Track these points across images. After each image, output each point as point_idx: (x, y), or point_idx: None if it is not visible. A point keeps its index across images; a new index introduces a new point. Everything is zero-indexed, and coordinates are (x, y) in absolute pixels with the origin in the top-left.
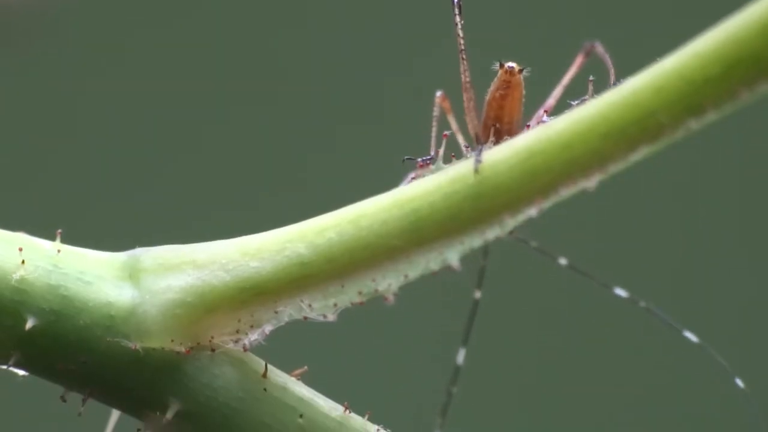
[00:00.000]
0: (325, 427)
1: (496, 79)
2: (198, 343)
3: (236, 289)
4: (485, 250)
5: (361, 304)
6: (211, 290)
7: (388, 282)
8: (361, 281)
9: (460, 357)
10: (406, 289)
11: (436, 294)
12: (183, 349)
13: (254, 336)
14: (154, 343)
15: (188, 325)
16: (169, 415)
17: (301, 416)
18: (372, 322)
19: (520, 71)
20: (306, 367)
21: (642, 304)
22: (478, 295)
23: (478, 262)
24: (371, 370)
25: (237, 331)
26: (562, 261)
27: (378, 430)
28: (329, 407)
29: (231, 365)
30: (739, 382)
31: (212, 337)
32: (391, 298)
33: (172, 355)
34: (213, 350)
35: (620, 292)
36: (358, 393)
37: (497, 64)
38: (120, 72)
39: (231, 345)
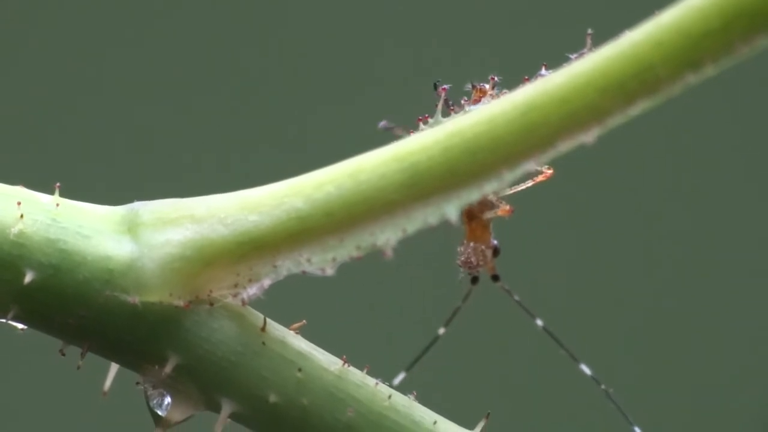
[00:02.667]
0: (323, 380)
1: (470, 100)
2: (196, 297)
3: (234, 243)
4: (468, 293)
5: (360, 258)
6: (210, 244)
7: (387, 236)
8: (360, 235)
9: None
10: (406, 243)
11: (436, 248)
12: (181, 303)
13: (253, 290)
14: (153, 297)
15: (187, 279)
16: (167, 368)
17: (299, 370)
18: (371, 275)
19: (493, 87)
20: (304, 321)
21: (602, 386)
22: (441, 331)
23: (457, 302)
24: (370, 324)
25: (235, 285)
26: (539, 321)
27: (377, 383)
28: (328, 361)
29: (229, 319)
30: None
31: (211, 291)
32: (389, 252)
33: (170, 309)
34: (211, 304)
35: (585, 369)
36: (357, 347)
37: (470, 85)
38: (115, 24)
39: (229, 299)
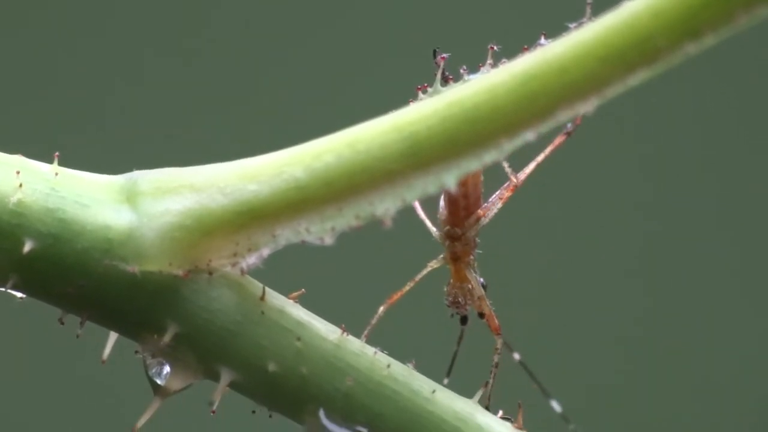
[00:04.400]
0: (322, 349)
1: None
2: (195, 267)
3: (234, 213)
4: (461, 335)
5: (359, 227)
6: (209, 213)
7: (386, 205)
8: (359, 205)
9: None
10: (405, 212)
11: (435, 214)
12: (180, 273)
13: (252, 259)
14: (152, 267)
15: (186, 248)
16: (166, 337)
17: (298, 339)
18: (371, 243)
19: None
20: (303, 290)
21: (571, 427)
22: (445, 381)
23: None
24: (368, 293)
25: (234, 255)
26: (516, 355)
27: (376, 352)
28: (327, 330)
29: (228, 288)
30: None
31: (210, 261)
32: (388, 221)
33: (169, 278)
34: (210, 273)
35: (556, 406)
36: (356, 316)
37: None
38: None
39: (228, 268)
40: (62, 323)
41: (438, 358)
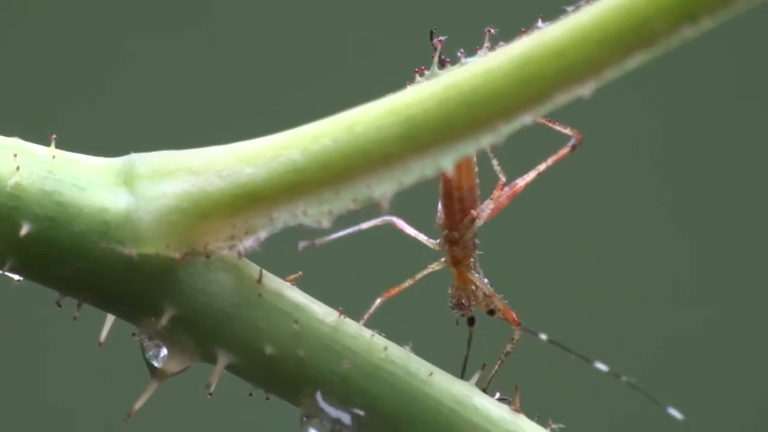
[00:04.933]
0: (319, 332)
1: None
2: (193, 250)
3: (231, 196)
4: (470, 337)
5: (356, 210)
6: (206, 196)
7: (383, 188)
8: (356, 188)
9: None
10: (404, 194)
11: (432, 198)
12: (178, 255)
13: (249, 242)
14: (149, 249)
15: (183, 231)
16: (163, 320)
17: (296, 322)
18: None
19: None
20: (300, 273)
21: (624, 378)
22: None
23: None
24: (365, 275)
25: (232, 237)
26: (543, 336)
27: (373, 335)
28: (324, 313)
29: (226, 271)
30: None
31: (207, 244)
32: (385, 204)
33: (166, 261)
34: (208, 256)
35: (602, 366)
36: (354, 298)
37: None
38: None
39: (226, 251)
40: (59, 306)
41: (435, 340)
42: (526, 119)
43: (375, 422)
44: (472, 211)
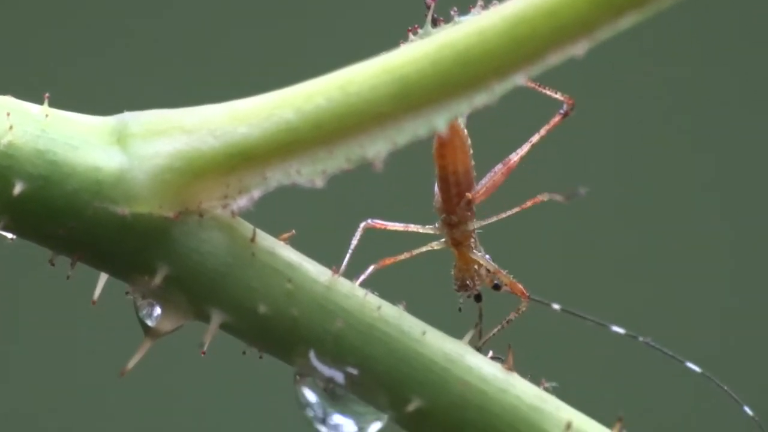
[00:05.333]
0: (313, 291)
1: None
2: (186, 209)
3: (224, 155)
4: (480, 313)
5: (350, 170)
6: (200, 156)
7: (377, 148)
8: (350, 147)
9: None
10: (396, 152)
11: (427, 157)
12: (171, 215)
13: (243, 201)
14: (142, 209)
15: (176, 190)
16: (157, 279)
17: (289, 281)
18: (363, 185)
19: (455, 118)
20: (293, 231)
21: (641, 338)
22: (481, 343)
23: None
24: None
25: (225, 197)
26: (555, 305)
27: (366, 294)
28: (317, 272)
29: (219, 230)
30: (748, 410)
31: (200, 203)
32: (379, 164)
33: (160, 220)
34: (201, 215)
35: (619, 329)
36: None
37: None
38: None
39: (219, 210)
40: (53, 264)
41: (429, 299)
42: (519, 78)
43: (368, 381)
44: (467, 194)
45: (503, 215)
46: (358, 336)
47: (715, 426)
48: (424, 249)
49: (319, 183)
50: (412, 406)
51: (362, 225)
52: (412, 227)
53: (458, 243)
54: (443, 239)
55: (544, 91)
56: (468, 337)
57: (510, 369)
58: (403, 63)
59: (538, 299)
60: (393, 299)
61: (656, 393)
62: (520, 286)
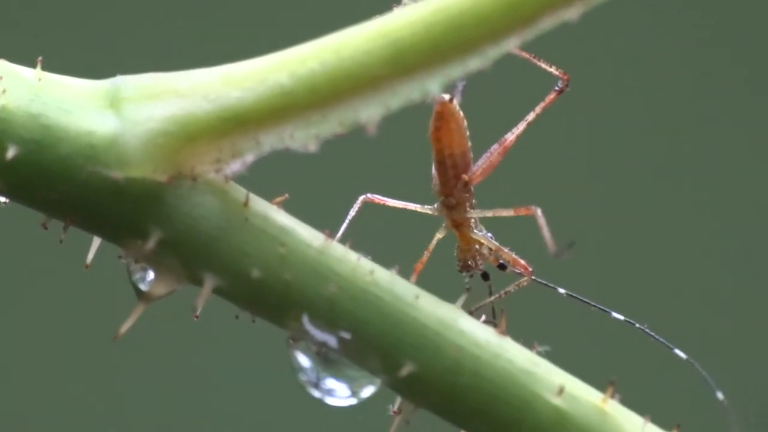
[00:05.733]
0: (306, 256)
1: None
2: (179, 173)
3: (218, 119)
4: (489, 289)
5: (343, 134)
6: (193, 120)
7: (370, 112)
8: (343, 111)
9: None
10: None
11: (421, 119)
12: (164, 179)
13: (236, 166)
14: (135, 173)
15: (169, 154)
16: (150, 243)
17: (282, 245)
18: (355, 148)
19: (451, 100)
20: (287, 195)
21: (638, 325)
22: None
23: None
24: (354, 197)
25: (218, 161)
26: (561, 290)
27: (359, 258)
28: (310, 236)
29: (212, 194)
30: (720, 395)
31: (194, 167)
32: (372, 128)
33: (153, 184)
34: (194, 180)
35: (618, 315)
36: (341, 221)
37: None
38: None
39: (212, 175)
40: (45, 228)
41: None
42: (513, 42)
43: (361, 345)
44: (463, 175)
45: (498, 213)
46: (351, 300)
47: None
48: (433, 243)
49: (312, 147)
50: (405, 371)
51: (361, 198)
52: (411, 206)
53: (458, 224)
54: (444, 224)
55: (538, 63)
56: (461, 301)
57: (503, 333)
58: (397, 27)
59: (544, 282)
60: (386, 264)
61: (648, 357)
62: (523, 262)
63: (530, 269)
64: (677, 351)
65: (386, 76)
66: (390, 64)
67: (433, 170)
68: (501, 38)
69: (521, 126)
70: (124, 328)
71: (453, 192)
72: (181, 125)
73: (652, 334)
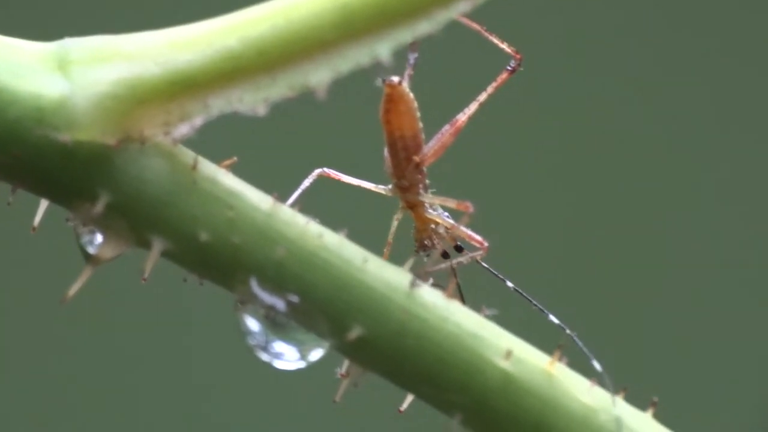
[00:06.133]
0: (254, 219)
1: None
2: (128, 136)
3: (166, 82)
4: (453, 270)
5: (292, 98)
6: (141, 83)
7: (319, 76)
8: (292, 75)
9: None
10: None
11: (370, 83)
12: (112, 142)
13: (184, 129)
14: (84, 136)
15: (118, 117)
16: (98, 206)
17: (230, 208)
18: (305, 110)
19: (400, 83)
20: (235, 158)
21: (568, 331)
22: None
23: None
24: (302, 159)
25: (167, 124)
26: (509, 283)
27: (308, 222)
28: (259, 199)
29: (161, 158)
30: (596, 364)
31: (142, 130)
32: (322, 92)
33: (101, 147)
34: (143, 143)
35: (553, 318)
36: (290, 184)
37: (380, 81)
38: None
39: (161, 138)
40: None
41: (371, 227)
42: (463, 6)
43: (309, 308)
44: (414, 157)
45: (445, 202)
46: (299, 263)
47: (658, 346)
48: (393, 229)
49: (261, 111)
50: (353, 334)
51: (317, 171)
52: (366, 184)
53: (413, 205)
54: (400, 206)
55: (490, 37)
56: (409, 264)
57: (450, 297)
58: None
59: (495, 273)
60: (335, 228)
61: (596, 321)
62: (478, 237)
63: (486, 244)
64: (595, 363)
65: (335, 40)
66: (339, 27)
67: (386, 152)
68: (449, 1)
69: (473, 106)
70: (73, 290)
71: (405, 174)
72: (129, 88)
73: (580, 344)
